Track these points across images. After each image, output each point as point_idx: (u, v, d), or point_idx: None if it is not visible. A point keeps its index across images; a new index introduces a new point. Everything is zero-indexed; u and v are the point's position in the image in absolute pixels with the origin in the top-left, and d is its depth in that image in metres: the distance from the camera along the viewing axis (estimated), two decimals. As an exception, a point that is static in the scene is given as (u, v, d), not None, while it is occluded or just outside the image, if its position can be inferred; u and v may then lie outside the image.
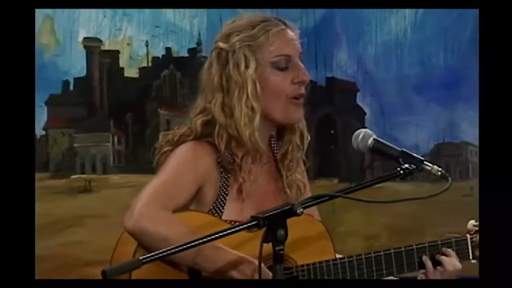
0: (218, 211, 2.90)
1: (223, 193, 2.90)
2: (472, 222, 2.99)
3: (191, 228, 2.79)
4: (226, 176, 2.91)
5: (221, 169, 2.89)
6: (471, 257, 2.99)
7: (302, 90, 2.92)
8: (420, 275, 3.00)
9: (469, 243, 2.96)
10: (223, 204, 2.89)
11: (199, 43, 4.33)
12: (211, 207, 2.89)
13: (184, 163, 2.92)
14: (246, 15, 3.01)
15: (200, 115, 2.94)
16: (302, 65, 2.91)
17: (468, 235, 2.98)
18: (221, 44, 2.94)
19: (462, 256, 3.04)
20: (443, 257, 2.96)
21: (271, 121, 2.95)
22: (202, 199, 2.90)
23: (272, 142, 3.04)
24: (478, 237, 2.98)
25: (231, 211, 2.90)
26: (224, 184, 2.90)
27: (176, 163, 2.92)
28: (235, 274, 2.83)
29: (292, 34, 2.93)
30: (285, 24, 2.92)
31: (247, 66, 2.85)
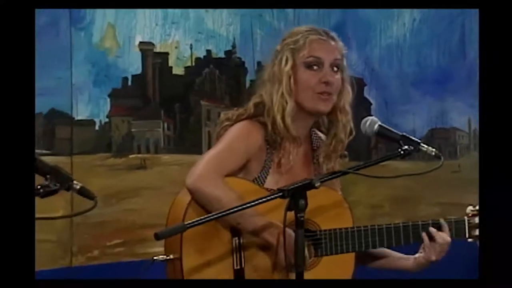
0: (261, 181, 2.93)
1: (267, 166, 2.95)
2: (470, 207, 3.01)
3: (239, 193, 2.83)
4: (271, 152, 2.95)
5: (267, 146, 2.94)
6: (467, 235, 3.01)
7: (328, 88, 2.94)
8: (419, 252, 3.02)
9: (466, 224, 2.98)
10: (265, 175, 2.94)
11: (233, 46, 4.32)
12: (256, 177, 2.94)
13: (238, 138, 2.96)
14: (305, 26, 3.05)
15: (256, 99, 2.98)
16: (332, 70, 2.93)
17: (466, 217, 3.00)
18: (277, 47, 2.98)
19: (460, 234, 3.07)
20: (435, 231, 2.98)
21: (305, 112, 2.97)
22: (249, 170, 2.95)
23: (313, 133, 3.07)
24: (475, 219, 3.00)
25: (271, 181, 2.94)
26: (269, 159, 2.94)
27: (231, 137, 2.97)
28: (266, 235, 2.87)
29: (331, 43, 2.93)
30: (327, 35, 2.92)
31: (286, 64, 2.88)
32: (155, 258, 2.88)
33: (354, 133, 3.06)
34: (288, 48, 2.96)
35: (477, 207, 3.01)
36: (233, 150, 2.94)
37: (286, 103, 2.94)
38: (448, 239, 2.97)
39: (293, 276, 2.68)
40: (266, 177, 2.95)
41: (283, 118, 2.93)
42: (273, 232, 2.88)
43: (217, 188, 2.85)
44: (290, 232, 2.76)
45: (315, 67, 2.96)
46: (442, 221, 3.01)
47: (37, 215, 2.30)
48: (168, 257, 2.90)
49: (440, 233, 2.99)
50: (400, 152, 2.82)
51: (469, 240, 3.02)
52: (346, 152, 3.09)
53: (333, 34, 3.00)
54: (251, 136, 2.95)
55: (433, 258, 2.99)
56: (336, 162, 3.09)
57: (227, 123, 3.02)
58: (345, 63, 3.02)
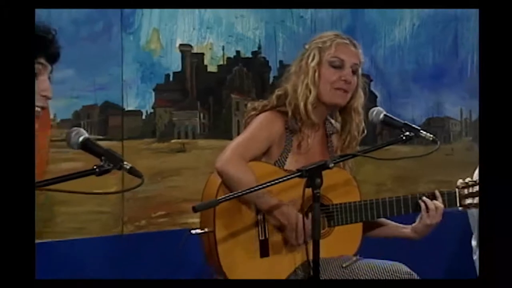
0: (281, 163, 2.95)
1: (286, 150, 2.96)
2: (460, 180, 3.01)
3: (256, 176, 2.84)
4: (290, 138, 2.96)
5: (287, 132, 2.95)
6: (458, 204, 3.02)
7: (345, 86, 2.95)
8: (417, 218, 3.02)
9: (457, 195, 2.99)
10: (285, 158, 2.96)
11: (259, 48, 4.31)
12: (277, 159, 2.95)
13: (261, 128, 2.98)
14: (332, 32, 3.09)
15: (279, 91, 2.99)
16: (351, 71, 2.94)
17: (457, 189, 3.01)
18: (306, 46, 3.00)
19: (452, 204, 3.08)
20: (429, 200, 2.99)
21: (322, 103, 2.98)
22: (271, 154, 2.97)
23: (327, 122, 3.08)
24: (464, 191, 3.00)
25: (291, 163, 2.96)
26: (288, 144, 2.96)
27: (256, 127, 2.98)
28: (280, 216, 2.89)
29: (353, 49, 2.95)
30: (351, 42, 2.93)
31: (312, 60, 2.89)
32: (192, 231, 2.91)
33: (365, 132, 3.08)
34: (316, 46, 2.98)
35: (466, 180, 3.02)
36: (257, 138, 2.96)
37: (310, 92, 2.96)
38: (441, 206, 2.99)
39: (310, 243, 2.69)
40: (285, 160, 2.97)
41: (305, 105, 2.96)
42: (284, 213, 2.90)
43: (239, 171, 2.87)
44: (298, 214, 2.81)
45: (337, 67, 2.97)
46: (436, 192, 3.02)
47: (94, 191, 2.32)
48: (203, 230, 2.92)
49: (434, 201, 3.01)
50: (402, 137, 2.84)
51: (460, 208, 3.03)
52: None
53: (355, 42, 3.02)
54: (273, 125, 2.97)
55: (428, 222, 3.01)
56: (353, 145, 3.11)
57: (253, 112, 3.05)
58: (360, 70, 3.04)
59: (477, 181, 2.96)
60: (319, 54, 2.94)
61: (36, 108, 2.32)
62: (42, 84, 2.29)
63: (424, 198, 2.99)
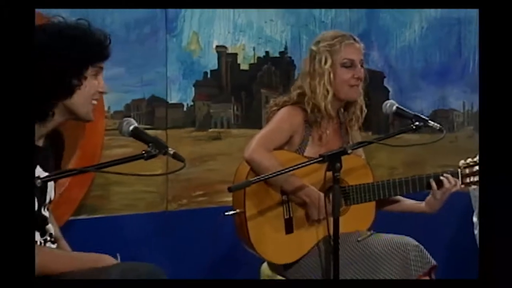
0: (301, 151, 2.95)
1: (306, 140, 2.96)
2: (462, 161, 2.99)
3: (280, 162, 2.84)
4: (309, 129, 2.96)
5: (306, 124, 2.94)
6: (460, 182, 3.00)
7: (358, 82, 2.94)
8: (428, 197, 3.00)
9: (459, 174, 2.97)
10: (305, 146, 2.95)
11: (285, 48, 4.29)
12: (297, 148, 2.95)
13: (283, 120, 2.97)
14: (332, 31, 3.00)
15: (297, 89, 2.98)
16: (360, 67, 2.93)
17: (459, 169, 3.00)
18: (313, 47, 2.97)
19: None
20: (443, 179, 2.97)
21: (338, 99, 2.97)
22: (292, 143, 2.96)
23: (339, 113, 3.08)
24: (465, 170, 2.99)
25: (310, 151, 2.96)
26: (307, 134, 2.95)
27: (278, 119, 2.98)
28: (302, 195, 2.89)
29: (357, 45, 2.94)
30: (354, 39, 2.92)
31: (325, 63, 2.86)
32: (226, 213, 2.92)
33: (366, 110, 3.08)
34: (325, 50, 2.96)
35: (467, 161, 3.00)
36: (280, 130, 2.96)
37: (328, 92, 2.95)
38: (448, 184, 2.97)
39: (330, 220, 2.69)
40: (305, 148, 2.97)
41: (325, 104, 2.95)
42: (307, 194, 2.90)
43: (265, 159, 2.87)
44: (320, 193, 2.81)
45: (348, 66, 2.96)
46: (444, 174, 3.00)
47: (142, 173, 2.33)
48: (235, 212, 2.94)
49: (444, 177, 2.99)
50: (412, 127, 2.83)
51: (462, 186, 3.01)
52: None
53: (356, 37, 3.00)
54: (293, 118, 2.97)
55: (438, 197, 3.00)
56: (358, 135, 3.11)
57: (274, 108, 3.05)
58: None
59: (477, 161, 2.95)
60: (331, 57, 2.93)
61: (93, 101, 2.36)
62: (100, 82, 2.33)
63: (443, 175, 2.97)
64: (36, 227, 2.36)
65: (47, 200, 2.41)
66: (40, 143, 2.35)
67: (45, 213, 2.41)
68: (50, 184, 2.40)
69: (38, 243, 2.36)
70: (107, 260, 2.36)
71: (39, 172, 2.31)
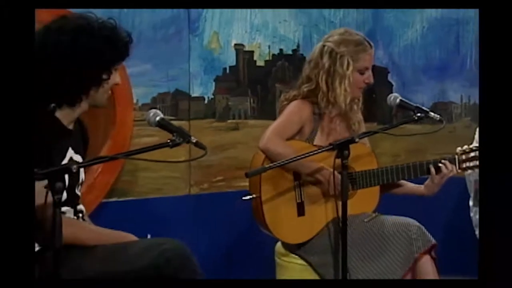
0: (311, 140, 2.94)
1: (315, 130, 2.95)
2: (459, 148, 2.98)
3: (294, 150, 2.84)
4: (317, 120, 2.95)
5: (315, 116, 2.93)
6: (457, 167, 2.99)
7: (365, 85, 2.92)
8: (427, 181, 2.99)
9: (456, 160, 2.96)
10: (314, 136, 2.94)
11: (298, 46, 4.28)
12: (307, 137, 2.94)
13: (293, 113, 2.97)
14: (353, 32, 3.00)
15: (307, 84, 2.97)
16: (371, 73, 2.91)
17: (456, 155, 2.98)
18: (335, 47, 2.92)
19: None
20: (441, 165, 2.95)
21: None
22: (303, 133, 2.95)
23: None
24: (462, 156, 2.97)
25: (319, 140, 2.95)
26: (316, 125, 2.95)
27: (289, 112, 2.97)
28: (318, 176, 2.89)
29: (372, 53, 2.92)
30: (371, 46, 2.90)
31: (347, 68, 2.84)
32: (243, 198, 2.93)
33: (361, 101, 3.07)
34: (349, 55, 2.93)
35: (464, 147, 2.98)
36: (290, 122, 2.96)
37: (347, 93, 2.94)
38: (446, 170, 2.95)
39: (339, 203, 2.69)
40: (314, 138, 2.96)
41: (346, 103, 2.94)
42: (322, 174, 2.90)
43: (279, 147, 2.87)
44: (336, 174, 2.79)
45: (363, 72, 2.96)
46: (442, 161, 2.98)
47: (167, 159, 2.34)
48: (251, 196, 2.94)
49: (442, 164, 2.97)
50: (414, 118, 2.81)
51: (459, 171, 2.99)
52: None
53: (371, 42, 2.98)
54: (303, 112, 2.97)
55: (436, 181, 2.99)
56: (362, 124, 3.09)
57: (285, 102, 3.04)
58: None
59: (473, 148, 2.94)
60: (352, 63, 2.91)
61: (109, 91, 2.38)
62: (116, 76, 2.38)
63: (441, 162, 2.96)
64: (70, 205, 2.41)
65: (80, 181, 2.44)
66: (70, 127, 2.40)
67: (78, 192, 2.44)
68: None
69: (72, 218, 2.39)
70: (132, 239, 2.37)
71: (71, 153, 2.37)
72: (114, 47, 2.32)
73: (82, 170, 2.46)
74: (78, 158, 2.42)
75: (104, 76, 2.34)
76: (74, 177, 2.38)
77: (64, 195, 2.29)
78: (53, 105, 2.32)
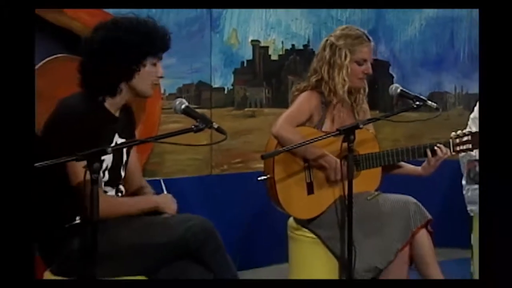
0: (319, 127, 2.92)
1: (323, 118, 2.94)
2: (453, 133, 2.95)
3: (303, 136, 2.83)
4: (325, 109, 2.93)
5: (323, 105, 2.91)
6: (451, 150, 2.96)
7: (364, 76, 2.90)
8: (424, 163, 2.97)
9: (451, 144, 2.93)
10: (322, 123, 2.92)
11: (308, 42, 4.27)
12: (316, 124, 2.93)
13: (303, 103, 2.95)
14: (354, 28, 2.96)
15: (314, 75, 2.95)
16: (369, 65, 2.89)
17: (450, 139, 2.95)
18: (335, 41, 2.91)
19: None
20: (437, 148, 2.93)
21: (350, 87, 2.92)
22: (312, 121, 2.94)
23: (350, 96, 3.02)
24: (455, 140, 2.94)
25: (327, 127, 2.93)
26: (324, 113, 2.93)
27: (299, 102, 2.96)
28: (322, 161, 2.87)
29: (371, 46, 2.89)
30: (369, 40, 2.88)
31: (345, 58, 2.82)
32: (259, 178, 2.93)
33: (367, 90, 3.05)
34: (347, 47, 2.91)
35: (458, 132, 2.96)
36: (300, 111, 2.94)
37: (345, 82, 2.92)
38: (441, 153, 2.93)
39: (345, 182, 2.68)
40: (322, 124, 2.95)
41: (343, 92, 2.93)
42: (326, 160, 2.89)
43: (289, 133, 2.86)
44: (339, 160, 2.80)
45: (361, 63, 2.93)
46: (438, 144, 2.96)
47: (191, 143, 2.34)
48: (266, 177, 2.94)
49: (437, 147, 2.95)
50: (414, 106, 2.79)
51: (453, 153, 2.97)
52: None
53: (370, 36, 2.96)
54: (312, 101, 2.95)
55: (432, 163, 2.96)
56: (367, 113, 3.08)
57: (296, 93, 3.03)
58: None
59: (466, 133, 2.92)
60: (350, 54, 2.89)
61: (153, 83, 2.40)
62: (159, 69, 2.38)
63: (437, 145, 2.94)
64: (112, 185, 2.42)
65: (123, 161, 2.45)
66: (117, 114, 2.40)
67: (122, 173, 2.45)
68: (124, 149, 2.46)
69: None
70: (159, 201, 2.38)
71: (117, 138, 2.39)
72: (150, 41, 2.32)
73: (125, 153, 2.46)
74: (123, 140, 2.43)
75: (134, 68, 2.33)
76: (118, 159, 2.40)
77: (107, 176, 2.35)
78: (101, 97, 2.33)
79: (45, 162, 1.95)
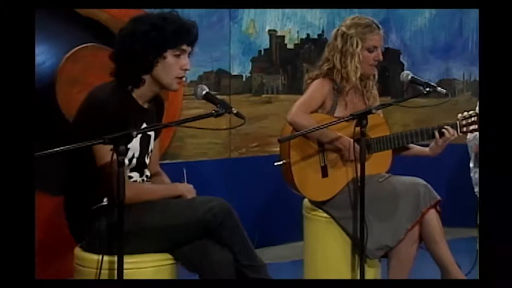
0: (332, 113, 2.91)
1: (335, 104, 2.92)
2: (460, 114, 2.92)
3: (316, 121, 2.81)
4: (337, 95, 2.92)
5: (335, 92, 2.89)
6: (459, 131, 2.93)
7: (376, 63, 2.87)
8: (431, 144, 2.95)
9: (458, 125, 2.90)
10: (334, 109, 2.91)
11: (322, 31, 4.25)
12: (328, 110, 2.91)
13: (316, 90, 2.94)
14: (363, 17, 2.93)
15: (326, 63, 2.93)
16: (380, 52, 2.86)
17: (457, 121, 2.92)
18: (346, 30, 2.90)
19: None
20: (444, 130, 2.90)
21: (361, 73, 2.89)
22: (324, 107, 2.92)
23: (360, 83, 3.00)
24: (462, 122, 2.91)
25: (339, 112, 2.91)
26: (335, 99, 2.92)
27: (312, 89, 2.94)
28: (337, 143, 2.86)
29: (381, 33, 2.86)
30: (378, 27, 2.85)
31: (357, 46, 2.81)
32: (275, 163, 2.92)
33: (376, 77, 3.02)
34: (358, 36, 2.89)
35: (464, 114, 2.93)
36: (313, 98, 2.93)
37: (357, 69, 2.89)
38: (448, 134, 2.91)
39: (358, 165, 2.67)
40: (335, 110, 2.93)
41: (356, 78, 2.91)
42: (341, 141, 2.88)
43: (304, 119, 2.85)
44: (351, 140, 2.78)
45: (372, 50, 2.91)
46: (445, 126, 2.93)
47: (212, 127, 2.33)
48: (282, 162, 2.93)
49: (446, 131, 2.92)
50: (424, 92, 2.76)
51: (460, 134, 2.94)
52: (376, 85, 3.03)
53: (379, 25, 2.93)
54: (324, 89, 2.94)
55: (439, 144, 2.94)
56: (377, 98, 3.05)
57: (309, 80, 3.01)
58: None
59: (472, 114, 2.88)
60: (361, 42, 2.87)
61: (178, 76, 2.37)
62: (183, 61, 2.34)
63: (444, 127, 2.91)
64: (138, 171, 2.42)
65: (149, 150, 2.45)
66: (145, 105, 2.39)
67: (147, 160, 2.46)
68: (152, 139, 2.46)
69: (137, 181, 2.41)
70: (182, 190, 2.38)
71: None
72: (169, 34, 2.28)
73: (152, 141, 2.46)
74: (150, 132, 2.42)
75: (153, 60, 2.29)
76: (145, 147, 2.40)
77: (134, 162, 2.35)
78: (130, 87, 2.32)
79: (73, 145, 1.98)
